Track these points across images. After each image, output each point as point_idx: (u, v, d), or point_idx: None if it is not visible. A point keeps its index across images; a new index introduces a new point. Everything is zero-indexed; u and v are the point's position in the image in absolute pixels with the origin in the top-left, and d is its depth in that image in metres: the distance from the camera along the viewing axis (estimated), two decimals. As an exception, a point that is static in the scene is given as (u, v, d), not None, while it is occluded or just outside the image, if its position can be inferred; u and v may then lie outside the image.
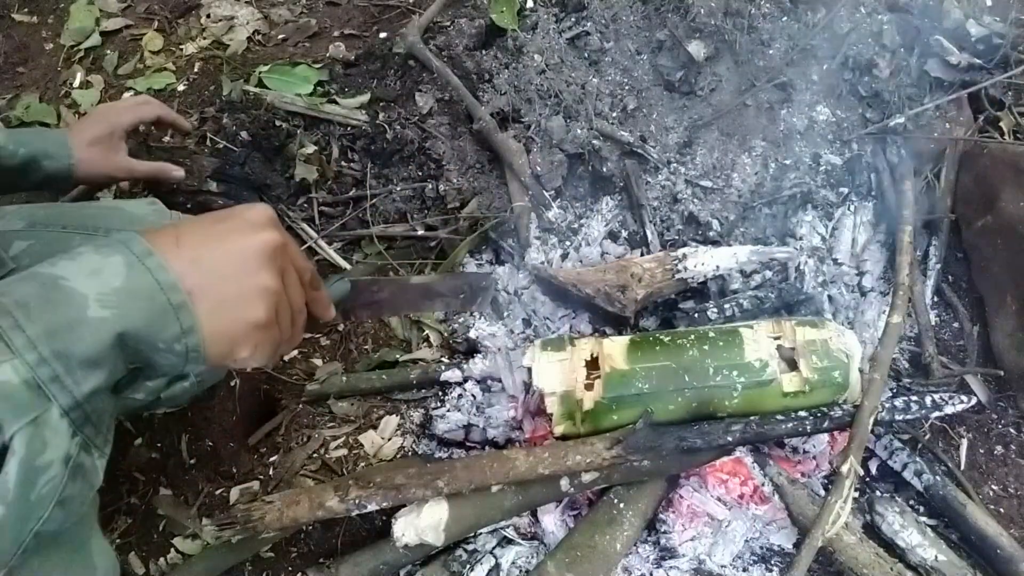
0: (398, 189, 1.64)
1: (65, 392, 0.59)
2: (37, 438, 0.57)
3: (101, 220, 1.09)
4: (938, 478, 1.29)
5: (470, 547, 1.29)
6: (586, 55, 1.65)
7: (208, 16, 1.94)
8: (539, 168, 1.58)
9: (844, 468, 1.14)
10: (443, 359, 1.50)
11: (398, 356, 1.51)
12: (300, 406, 1.45)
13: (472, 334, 1.47)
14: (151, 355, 0.65)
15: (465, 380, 1.44)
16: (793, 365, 1.21)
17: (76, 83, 1.88)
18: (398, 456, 1.41)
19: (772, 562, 1.26)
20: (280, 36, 1.90)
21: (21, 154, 1.15)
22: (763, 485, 1.30)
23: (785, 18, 1.66)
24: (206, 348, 0.66)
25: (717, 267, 1.39)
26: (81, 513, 0.67)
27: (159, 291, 0.63)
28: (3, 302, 0.58)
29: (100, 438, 0.65)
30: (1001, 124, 1.61)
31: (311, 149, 1.63)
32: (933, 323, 1.48)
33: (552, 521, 1.29)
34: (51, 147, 1.19)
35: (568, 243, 1.58)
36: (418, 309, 1.16)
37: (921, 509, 1.30)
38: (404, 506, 1.21)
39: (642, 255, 1.56)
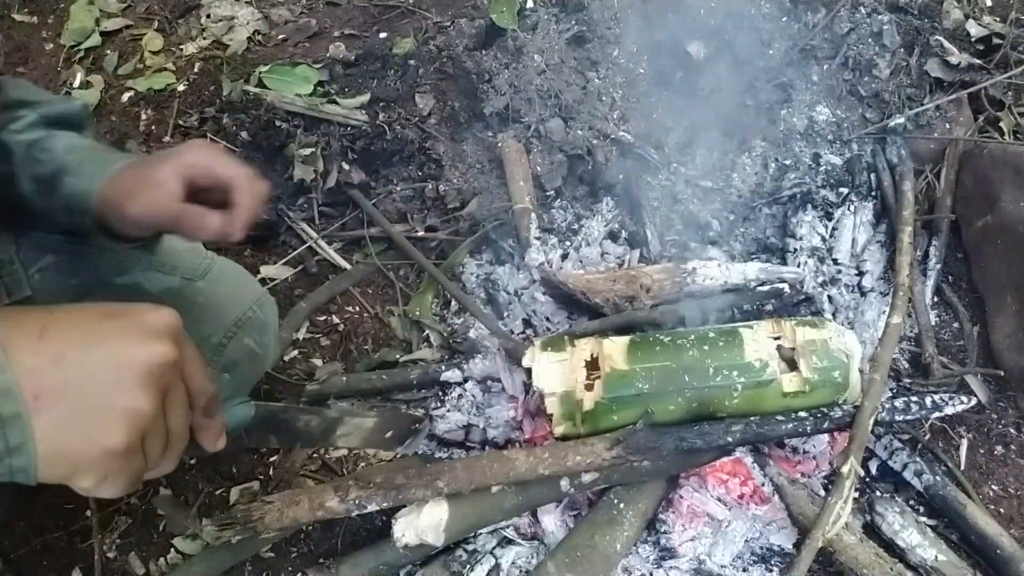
0: (398, 189, 1.64)
1: None
2: None
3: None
4: (938, 478, 1.29)
5: (470, 547, 1.29)
6: (586, 55, 1.65)
7: (208, 16, 1.94)
8: (539, 168, 1.58)
9: (844, 468, 1.14)
10: (443, 359, 1.50)
11: (398, 356, 1.51)
12: (300, 406, 1.45)
13: (472, 334, 1.47)
14: None
15: (465, 380, 1.44)
16: (793, 365, 1.21)
17: (76, 83, 1.88)
18: (398, 456, 1.40)
19: (772, 562, 1.26)
20: (280, 36, 1.90)
21: (56, 162, 0.91)
22: (763, 485, 1.30)
23: (785, 18, 1.66)
24: (39, 469, 0.54)
25: (725, 282, 1.40)
26: None
27: None
28: None
29: None
30: (1001, 124, 1.61)
31: (309, 151, 1.63)
32: (933, 323, 1.48)
33: (552, 521, 1.29)
34: (88, 164, 0.89)
35: (568, 243, 1.58)
36: (335, 444, 0.99)
37: (921, 509, 1.30)
38: (404, 506, 1.21)
39: (642, 255, 1.56)
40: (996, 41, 1.63)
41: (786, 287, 1.41)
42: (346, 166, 1.64)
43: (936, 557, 1.20)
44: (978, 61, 1.62)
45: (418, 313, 1.54)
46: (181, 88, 1.81)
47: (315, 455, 1.40)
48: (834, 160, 1.60)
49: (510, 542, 1.30)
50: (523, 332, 1.50)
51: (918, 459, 1.31)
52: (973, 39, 1.64)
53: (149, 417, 0.57)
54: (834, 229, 1.55)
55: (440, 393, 1.46)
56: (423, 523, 1.18)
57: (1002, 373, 1.39)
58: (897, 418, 1.24)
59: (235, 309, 1.09)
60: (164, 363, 0.58)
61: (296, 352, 1.52)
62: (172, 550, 1.33)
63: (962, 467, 1.34)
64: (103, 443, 0.55)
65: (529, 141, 1.61)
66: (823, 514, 1.12)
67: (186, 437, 0.64)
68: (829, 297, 1.47)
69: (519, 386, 1.40)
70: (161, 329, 0.60)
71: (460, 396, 1.44)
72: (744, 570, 1.25)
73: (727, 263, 1.45)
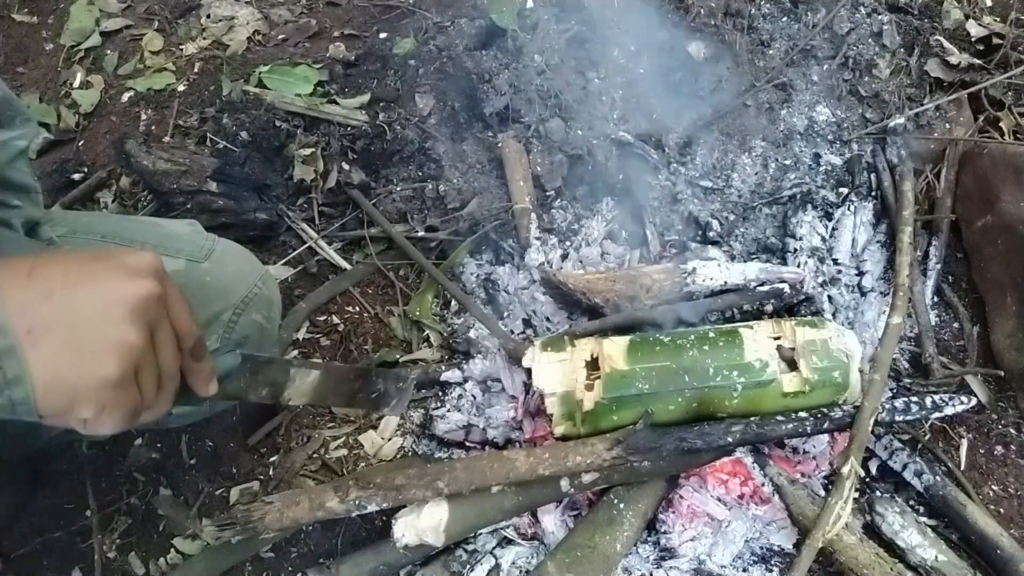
0: (398, 189, 1.64)
1: None
2: None
3: (138, 234, 1.08)
4: (938, 478, 1.29)
5: (470, 547, 1.29)
6: (586, 55, 1.65)
7: (208, 16, 1.94)
8: (539, 168, 1.58)
9: (844, 469, 1.14)
10: (443, 359, 1.50)
11: (398, 356, 1.51)
12: (300, 406, 1.45)
13: (472, 334, 1.47)
14: None
15: (465, 380, 1.44)
16: (793, 365, 1.21)
17: (76, 83, 1.88)
18: (398, 456, 1.41)
19: (772, 562, 1.26)
20: (280, 36, 1.90)
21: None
22: (763, 485, 1.30)
23: (785, 18, 1.66)
24: (37, 400, 0.57)
25: (725, 282, 1.40)
26: None
27: None
28: None
29: None
30: (1001, 124, 1.61)
31: (309, 151, 1.63)
32: (933, 323, 1.48)
33: (552, 521, 1.29)
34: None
35: (568, 243, 1.58)
36: (322, 402, 0.98)
37: (921, 509, 1.30)
38: (404, 507, 1.21)
39: (642, 255, 1.56)
40: (996, 41, 1.63)
41: (786, 287, 1.41)
42: (346, 166, 1.64)
43: (936, 557, 1.20)
44: (978, 61, 1.62)
45: (418, 313, 1.54)
46: (181, 88, 1.81)
47: (315, 455, 1.40)
48: (834, 160, 1.60)
49: (510, 542, 1.30)
50: (523, 332, 1.50)
51: (918, 459, 1.31)
52: (973, 39, 1.64)
53: (139, 349, 0.60)
54: (834, 229, 1.55)
55: (440, 393, 1.46)
56: (423, 523, 1.18)
57: (1002, 373, 1.39)
58: (897, 418, 1.24)
59: (241, 287, 1.10)
60: (149, 297, 0.61)
61: (296, 352, 1.52)
62: (172, 550, 1.33)
63: (962, 467, 1.34)
64: (97, 373, 0.58)
65: (529, 141, 1.60)
66: (823, 514, 1.12)
67: (177, 376, 0.67)
68: (829, 297, 1.47)
69: (519, 386, 1.40)
70: (144, 267, 0.62)
71: (460, 396, 1.44)
72: (744, 570, 1.25)
73: (727, 263, 1.45)
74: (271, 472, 1.39)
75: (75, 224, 1.06)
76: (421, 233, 1.60)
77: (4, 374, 0.56)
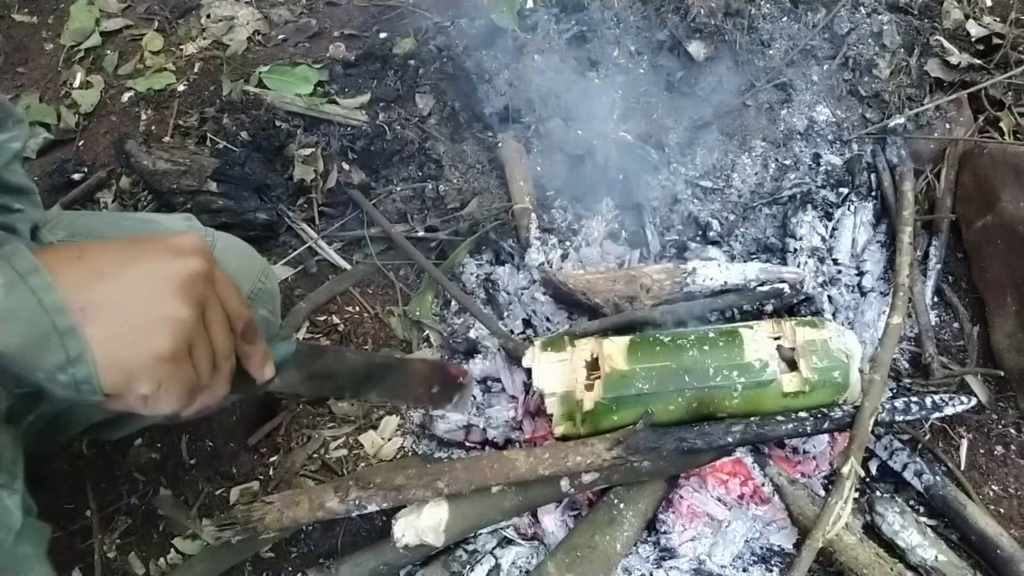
0: (398, 189, 1.64)
1: None
2: None
3: (137, 231, 1.07)
4: (938, 478, 1.29)
5: (470, 547, 1.29)
6: (586, 55, 1.65)
7: (208, 16, 1.94)
8: (539, 168, 1.58)
9: (844, 469, 1.14)
10: (443, 359, 1.50)
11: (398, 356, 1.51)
12: (300, 406, 1.45)
13: (472, 334, 1.47)
14: (34, 383, 0.59)
15: (465, 380, 1.44)
16: (793, 365, 1.21)
17: (76, 83, 1.88)
18: (398, 456, 1.41)
19: (772, 562, 1.26)
20: (280, 36, 1.90)
21: None
22: (763, 485, 1.30)
23: (785, 18, 1.66)
24: (99, 379, 0.59)
25: (725, 282, 1.40)
26: (5, 557, 0.61)
27: (42, 313, 0.57)
28: None
29: (3, 475, 0.60)
30: (1001, 124, 1.61)
31: (309, 151, 1.63)
32: (933, 323, 1.48)
33: (552, 521, 1.29)
34: None
35: (568, 243, 1.58)
36: (376, 395, 0.94)
37: (921, 509, 1.30)
38: (404, 506, 1.21)
39: (642, 255, 1.56)
40: (996, 41, 1.63)
41: (786, 287, 1.41)
42: (346, 166, 1.64)
43: (936, 557, 1.20)
44: (978, 61, 1.62)
45: (418, 313, 1.54)
46: (181, 88, 1.81)
47: (315, 455, 1.40)
48: (834, 160, 1.60)
49: (510, 542, 1.30)
50: (523, 332, 1.50)
51: (918, 459, 1.31)
52: (973, 39, 1.64)
53: (189, 325, 0.62)
54: (834, 229, 1.55)
55: (440, 393, 1.46)
56: (423, 523, 1.18)
57: (1002, 373, 1.39)
58: (897, 418, 1.24)
59: (246, 283, 1.09)
60: (197, 274, 0.63)
61: (296, 352, 1.52)
62: (172, 550, 1.33)
63: (962, 467, 1.34)
64: (151, 349, 0.60)
65: (529, 141, 1.60)
66: (823, 514, 1.12)
67: (232, 357, 0.68)
68: (829, 297, 1.47)
69: (519, 386, 1.40)
70: (190, 247, 0.64)
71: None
72: (744, 570, 1.25)
73: (727, 263, 1.45)
74: (271, 472, 1.39)
75: (73, 227, 1.04)
76: (421, 233, 1.60)
77: (67, 352, 0.57)
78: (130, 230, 1.09)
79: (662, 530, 1.27)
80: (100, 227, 1.07)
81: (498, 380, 1.43)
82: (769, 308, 1.45)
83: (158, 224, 1.15)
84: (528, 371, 1.26)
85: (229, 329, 0.67)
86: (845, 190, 1.58)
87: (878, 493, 1.31)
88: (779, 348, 1.23)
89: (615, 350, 1.22)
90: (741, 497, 1.29)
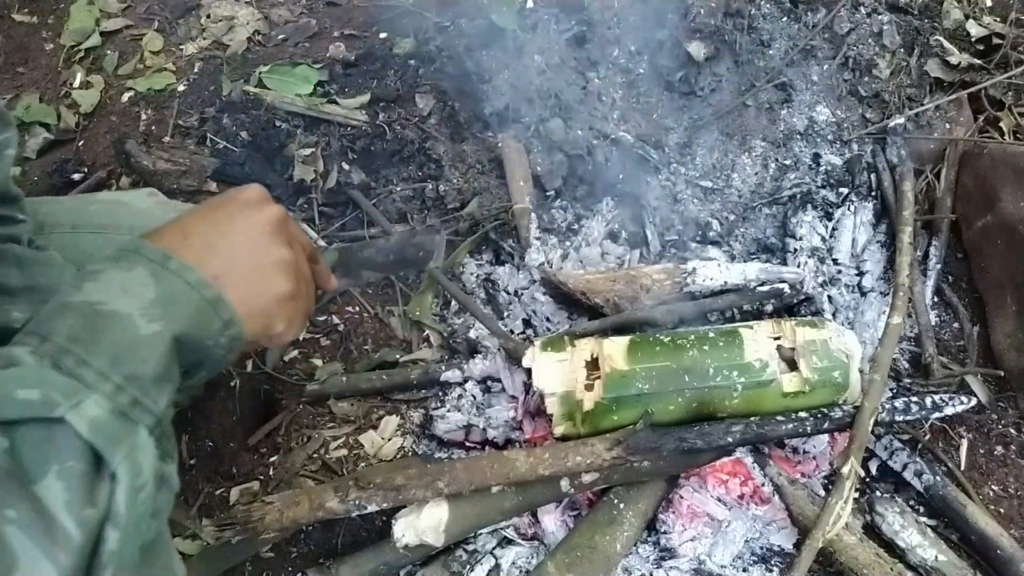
0: (398, 189, 1.64)
1: (147, 412, 0.59)
2: (135, 463, 0.57)
3: (108, 217, 1.06)
4: (938, 478, 1.29)
5: (470, 547, 1.29)
6: (586, 55, 1.65)
7: (208, 16, 1.94)
8: (539, 168, 1.58)
9: (844, 469, 1.14)
10: (443, 359, 1.50)
11: (398, 356, 1.51)
12: (300, 406, 1.45)
13: (472, 334, 1.47)
14: (202, 353, 0.65)
15: (465, 380, 1.44)
16: (793, 365, 1.21)
17: (76, 83, 1.88)
18: (398, 456, 1.40)
19: (772, 562, 1.26)
20: (280, 36, 1.89)
21: None
22: (763, 485, 1.30)
23: (785, 18, 1.66)
24: (245, 332, 0.67)
25: (725, 283, 1.40)
26: (165, 520, 0.67)
27: (191, 291, 0.63)
28: (56, 342, 0.57)
29: (170, 445, 0.65)
30: (1001, 124, 1.61)
31: (309, 151, 1.63)
32: (933, 323, 1.48)
33: (552, 521, 1.29)
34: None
35: (568, 243, 1.58)
36: (384, 271, 1.15)
37: (921, 509, 1.30)
38: (404, 507, 1.21)
39: (642, 255, 1.56)
40: (996, 41, 1.63)
41: (786, 287, 1.41)
42: (346, 166, 1.64)
43: (936, 557, 1.20)
44: (978, 61, 1.62)
45: (418, 313, 1.54)
46: (181, 88, 1.81)
47: (315, 455, 1.40)
48: (834, 160, 1.60)
49: (510, 542, 1.30)
50: (523, 332, 1.50)
51: (918, 459, 1.31)
52: (973, 39, 1.64)
53: (293, 262, 0.71)
54: (834, 229, 1.55)
55: (440, 393, 1.46)
56: (423, 523, 1.18)
57: (1002, 373, 1.39)
58: (897, 418, 1.24)
59: None
60: (280, 217, 0.72)
61: (296, 352, 1.52)
62: (172, 550, 1.33)
63: (962, 467, 1.34)
64: (277, 291, 0.69)
65: (529, 141, 1.60)
66: (823, 514, 1.12)
67: (312, 280, 0.78)
68: (829, 297, 1.47)
69: (519, 386, 1.40)
70: (260, 198, 0.72)
71: (460, 396, 1.44)
72: (744, 570, 1.25)
73: (727, 263, 1.45)
74: (271, 472, 1.39)
75: (36, 216, 1.01)
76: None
77: (221, 318, 0.64)
78: (98, 214, 1.06)
79: (662, 530, 1.27)
80: (67, 215, 1.04)
81: (498, 380, 1.43)
82: (769, 308, 1.45)
83: (124, 203, 1.12)
84: (528, 371, 1.26)
85: (305, 256, 0.77)
86: (845, 190, 1.58)
87: (878, 493, 1.31)
88: (779, 348, 1.23)
89: (615, 350, 1.22)
90: (741, 497, 1.29)
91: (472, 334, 1.47)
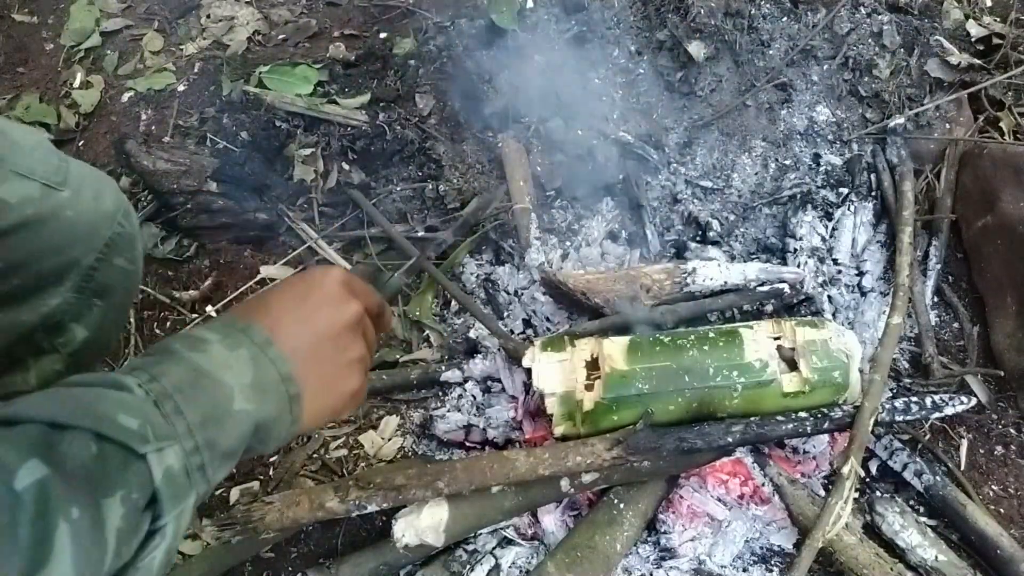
0: (398, 189, 1.64)
1: (205, 481, 0.59)
2: (180, 525, 0.58)
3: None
4: (938, 478, 1.29)
5: (470, 547, 1.29)
6: (586, 55, 1.65)
7: (208, 16, 1.94)
8: (539, 168, 1.58)
9: (845, 469, 1.14)
10: (443, 359, 1.50)
11: (398, 356, 1.51)
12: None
13: (472, 334, 1.47)
14: (261, 442, 0.65)
15: (465, 380, 1.44)
16: (793, 365, 1.21)
17: (76, 83, 1.88)
18: (398, 456, 1.41)
19: (772, 562, 1.26)
20: (280, 36, 1.89)
21: None
22: (763, 485, 1.30)
23: (785, 18, 1.66)
24: (303, 428, 0.69)
25: (725, 282, 1.40)
26: None
27: (280, 384, 0.64)
28: (163, 385, 0.58)
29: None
30: (1001, 124, 1.61)
31: (309, 151, 1.63)
32: (933, 323, 1.48)
33: (552, 521, 1.29)
34: None
35: (568, 243, 1.58)
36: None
37: (921, 509, 1.30)
38: (404, 507, 1.21)
39: (642, 255, 1.56)
40: (996, 41, 1.63)
41: (786, 287, 1.41)
42: (346, 166, 1.64)
43: (936, 557, 1.20)
44: (978, 61, 1.62)
45: (418, 313, 1.54)
46: (181, 88, 1.81)
47: (315, 455, 1.40)
48: (834, 160, 1.60)
49: (510, 542, 1.30)
50: (523, 332, 1.50)
51: (918, 459, 1.31)
52: (973, 39, 1.64)
53: (366, 356, 0.74)
54: (834, 229, 1.55)
55: (440, 393, 1.46)
56: (423, 523, 1.18)
57: (1002, 373, 1.39)
58: (897, 418, 1.24)
59: (104, 225, 0.92)
60: (356, 317, 0.73)
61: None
62: (172, 550, 1.33)
63: (962, 467, 1.34)
64: (348, 389, 0.72)
65: (529, 141, 1.60)
66: (823, 514, 1.12)
67: (375, 342, 0.79)
68: (829, 297, 1.47)
69: (519, 386, 1.40)
70: (343, 289, 0.73)
71: (460, 396, 1.44)
72: (744, 570, 1.25)
73: (727, 263, 1.45)
74: (271, 472, 1.39)
75: None
76: (421, 233, 1.60)
77: (293, 415, 0.66)
78: None
79: (662, 530, 1.27)
80: None
81: (498, 380, 1.43)
82: (769, 308, 1.45)
83: (5, 134, 0.89)
84: (528, 371, 1.26)
85: (374, 326, 0.78)
86: (845, 190, 1.58)
87: (878, 493, 1.31)
88: (779, 348, 1.23)
89: (615, 350, 1.22)
90: (741, 497, 1.29)
91: (472, 334, 1.47)
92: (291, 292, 0.71)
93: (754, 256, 1.55)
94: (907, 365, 1.44)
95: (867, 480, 1.34)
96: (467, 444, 1.39)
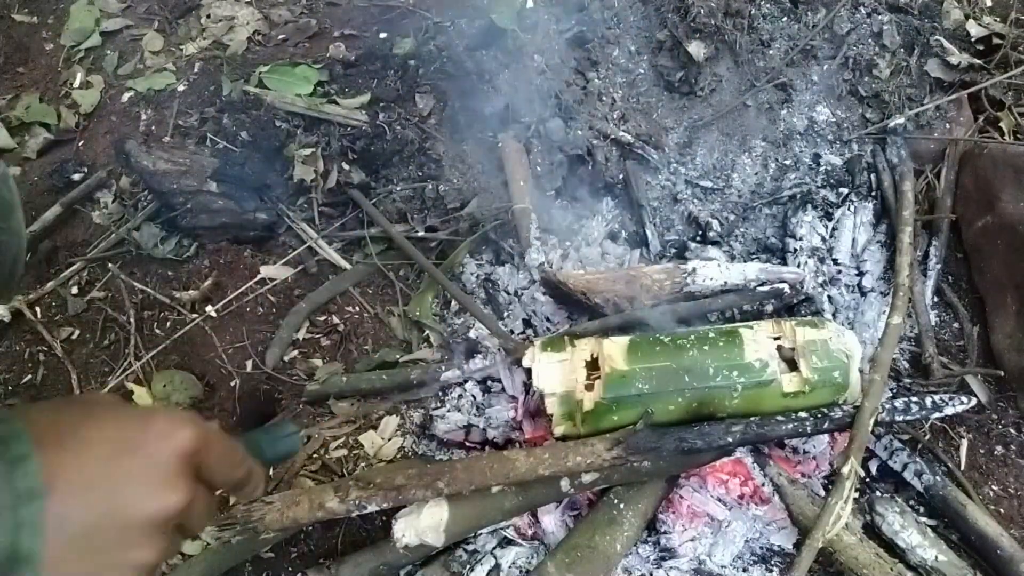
0: (398, 189, 1.64)
1: None
2: None
3: None
4: (938, 478, 1.29)
5: (470, 547, 1.29)
6: (586, 55, 1.65)
7: (208, 16, 1.94)
8: (539, 168, 1.58)
9: (845, 469, 1.14)
10: (443, 359, 1.50)
11: (398, 356, 1.51)
12: (300, 406, 1.45)
13: (472, 334, 1.47)
14: None
15: (465, 380, 1.44)
16: (793, 365, 1.21)
17: (76, 83, 1.88)
18: (398, 456, 1.41)
19: (772, 562, 1.26)
20: (280, 36, 1.90)
21: None
22: (763, 485, 1.30)
23: (785, 18, 1.66)
24: None
25: (725, 282, 1.40)
26: None
27: (10, 549, 0.49)
28: None
29: None
30: (1001, 124, 1.61)
31: (309, 151, 1.63)
32: (933, 323, 1.48)
33: (552, 521, 1.29)
34: None
35: (568, 243, 1.58)
36: None
37: (921, 509, 1.30)
38: (404, 507, 1.21)
39: (642, 255, 1.56)
40: (996, 41, 1.63)
41: (786, 287, 1.41)
42: (346, 166, 1.64)
43: (936, 557, 1.20)
44: (978, 61, 1.62)
45: (418, 313, 1.54)
46: (181, 88, 1.81)
47: (315, 455, 1.40)
48: (834, 160, 1.60)
49: (510, 542, 1.30)
50: (523, 332, 1.50)
51: (918, 459, 1.31)
52: (973, 39, 1.64)
53: (153, 566, 0.55)
54: (834, 229, 1.55)
55: (440, 393, 1.46)
56: (423, 523, 1.18)
57: (1002, 373, 1.39)
58: (897, 418, 1.24)
59: None
60: (173, 511, 0.56)
61: (296, 352, 1.52)
62: (172, 550, 1.33)
63: (962, 467, 1.34)
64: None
65: (529, 141, 1.60)
66: (823, 514, 1.12)
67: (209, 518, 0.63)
68: (829, 297, 1.47)
69: (519, 386, 1.40)
70: (179, 467, 0.56)
71: (460, 396, 1.44)
72: (744, 570, 1.25)
73: (727, 263, 1.45)
74: (271, 472, 1.39)
75: None
76: (421, 233, 1.60)
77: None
78: None
79: (662, 530, 1.27)
80: None
81: (498, 380, 1.43)
82: (769, 308, 1.45)
83: None
84: (528, 371, 1.26)
85: (212, 497, 0.62)
86: (845, 190, 1.58)
87: (878, 493, 1.31)
88: (779, 348, 1.23)
89: (615, 350, 1.22)
90: (741, 497, 1.29)
91: (472, 334, 1.47)
92: (117, 434, 0.55)
93: (754, 256, 1.55)
94: (907, 365, 1.44)
95: (867, 480, 1.34)
96: (467, 444, 1.39)
